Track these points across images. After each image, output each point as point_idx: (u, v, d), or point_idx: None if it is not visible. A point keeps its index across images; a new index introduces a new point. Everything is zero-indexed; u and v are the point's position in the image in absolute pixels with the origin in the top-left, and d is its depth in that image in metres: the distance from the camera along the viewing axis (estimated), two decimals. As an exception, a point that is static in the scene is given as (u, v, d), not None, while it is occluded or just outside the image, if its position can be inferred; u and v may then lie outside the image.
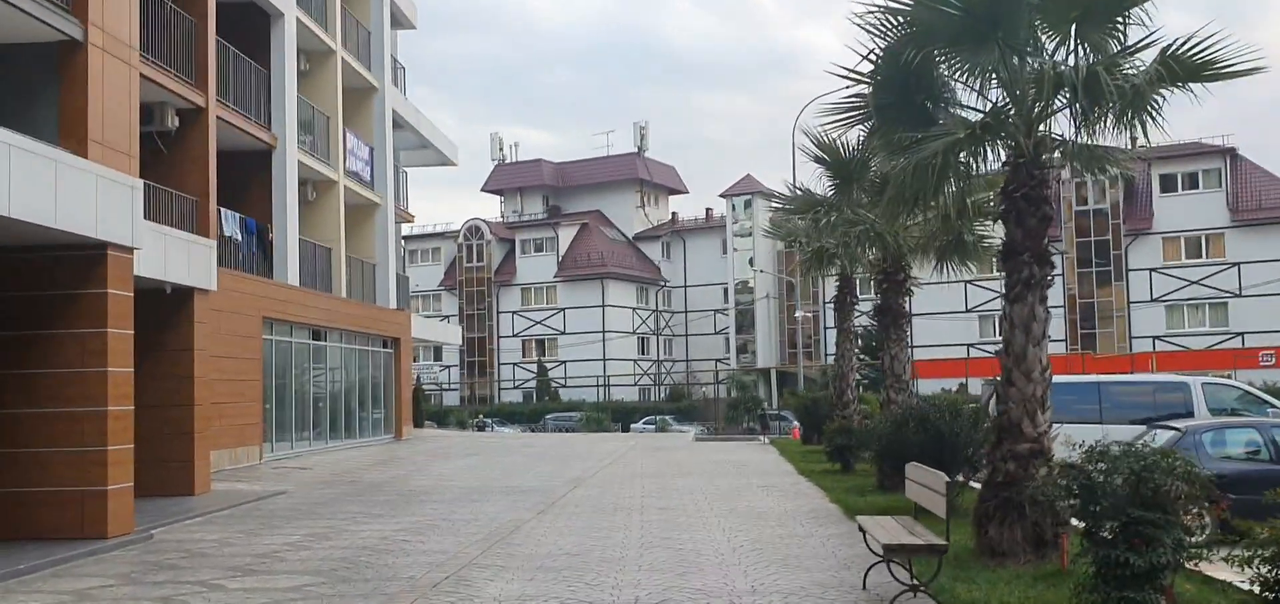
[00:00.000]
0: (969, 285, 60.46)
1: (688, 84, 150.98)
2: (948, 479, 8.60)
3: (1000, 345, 10.49)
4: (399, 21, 35.55)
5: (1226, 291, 56.96)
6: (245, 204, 24.53)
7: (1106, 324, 59.67)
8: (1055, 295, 61.98)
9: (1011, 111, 10.26)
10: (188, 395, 16.67)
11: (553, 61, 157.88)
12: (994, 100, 10.74)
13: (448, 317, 71.04)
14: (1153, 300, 58.59)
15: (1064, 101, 10.23)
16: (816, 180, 17.38)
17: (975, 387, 55.78)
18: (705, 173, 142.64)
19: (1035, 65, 10.13)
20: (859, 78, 10.61)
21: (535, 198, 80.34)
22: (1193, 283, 57.82)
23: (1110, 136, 10.42)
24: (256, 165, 24.90)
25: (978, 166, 10.60)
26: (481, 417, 58.26)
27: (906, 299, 16.85)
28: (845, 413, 21.95)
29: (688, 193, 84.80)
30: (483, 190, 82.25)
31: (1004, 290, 10.40)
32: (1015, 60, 10.34)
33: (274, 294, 23.07)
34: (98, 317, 12.04)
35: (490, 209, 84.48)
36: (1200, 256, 57.93)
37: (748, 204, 71.37)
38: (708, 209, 79.55)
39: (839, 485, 16.47)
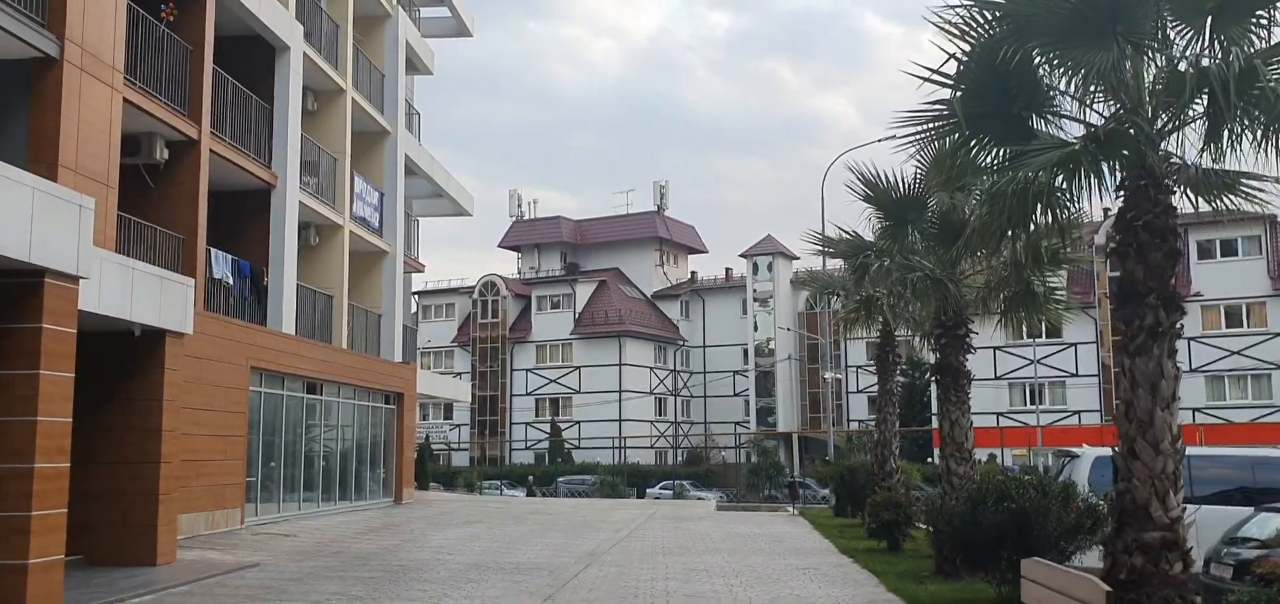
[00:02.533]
0: (997, 352, 58.33)
1: (706, 149, 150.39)
2: (1108, 589, 6.57)
3: (1118, 408, 8.50)
4: (415, 66, 34.12)
5: (1269, 363, 54.54)
6: (240, 245, 22.85)
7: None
8: (1088, 362, 59.98)
9: (1132, 122, 8.35)
10: (155, 451, 14.79)
11: (573, 127, 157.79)
12: (1101, 112, 8.87)
13: (460, 373, 69.16)
14: (1192, 371, 56.17)
15: (1194, 112, 8.35)
16: (865, 222, 15.50)
17: (1007, 458, 53.44)
18: (724, 236, 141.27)
19: (1161, 64, 8.26)
20: (944, 81, 8.72)
21: (553, 254, 78.79)
22: (1234, 353, 55.44)
23: (1248, 157, 8.50)
24: (254, 205, 23.27)
25: (1086, 189, 8.66)
26: (481, 482, 55.90)
27: (967, 356, 14.83)
28: (888, 484, 19.87)
29: (707, 252, 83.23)
30: (500, 245, 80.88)
31: (1122, 342, 8.44)
32: (1128, 62, 8.49)
33: (264, 342, 21.27)
34: (29, 356, 10.19)
35: (507, 266, 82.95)
36: (1241, 326, 55.63)
37: (770, 265, 69.58)
38: (727, 269, 77.90)
39: (891, 569, 14.37)
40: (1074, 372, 58.95)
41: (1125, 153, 8.47)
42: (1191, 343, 56.25)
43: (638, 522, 24.83)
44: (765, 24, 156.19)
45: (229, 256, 21.56)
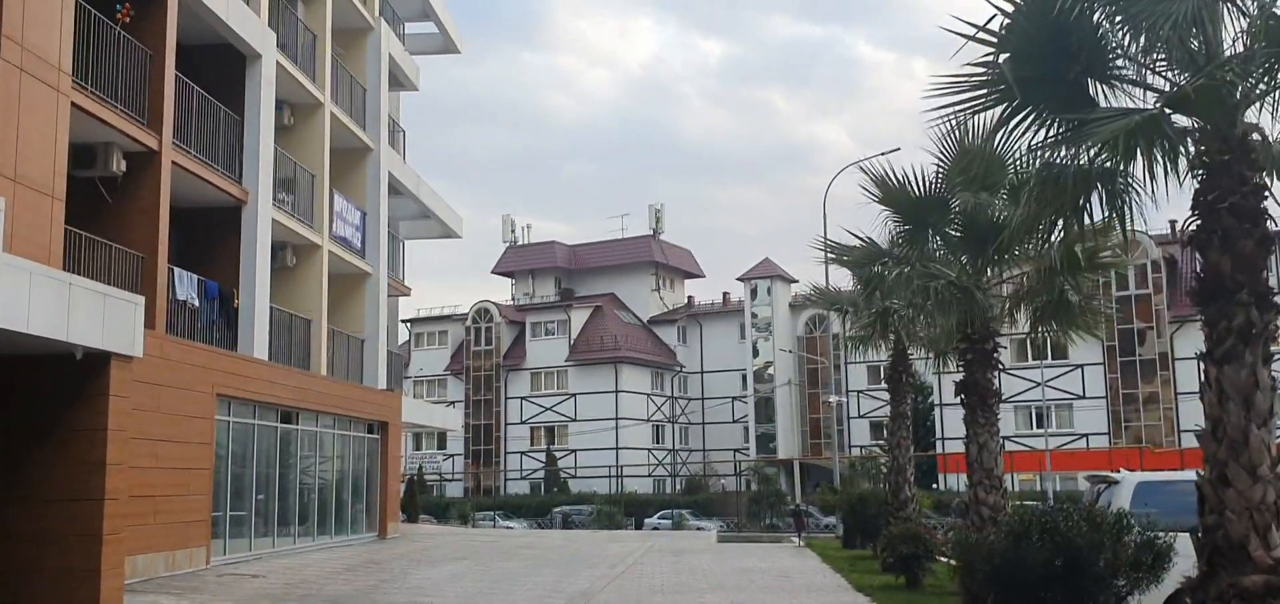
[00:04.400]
0: (1002, 373, 56.61)
1: (701, 177, 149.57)
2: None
3: (1204, 428, 7.13)
4: (399, 81, 32.85)
5: (1287, 381, 53.15)
6: (209, 266, 21.49)
7: (1152, 416, 55.86)
8: (1095, 384, 58.50)
9: (1219, 82, 6.98)
10: (98, 487, 13.29)
11: (569, 156, 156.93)
12: (1169, 79, 7.54)
13: (453, 402, 67.64)
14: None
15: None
16: (875, 232, 14.11)
17: (1043, 483, 51.75)
18: (720, 263, 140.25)
19: (1253, 10, 6.92)
20: (989, 39, 7.36)
21: (547, 280, 77.46)
22: (1246, 372, 54.04)
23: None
24: (224, 223, 21.91)
25: (1160, 165, 7.29)
26: (475, 514, 54.28)
27: (996, 374, 13.45)
28: (904, 513, 18.46)
29: (704, 277, 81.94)
30: (493, 272, 79.55)
31: (1208, 347, 7.08)
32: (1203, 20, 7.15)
33: (233, 368, 19.86)
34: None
35: (501, 292, 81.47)
36: (1253, 344, 54.25)
37: (769, 289, 68.30)
38: (725, 293, 76.55)
39: (913, 610, 13.01)
40: (1082, 394, 57.58)
41: (1205, 124, 7.12)
42: (1200, 363, 54.81)
43: (635, 556, 23.36)
44: (758, 52, 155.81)
45: (194, 277, 20.19)
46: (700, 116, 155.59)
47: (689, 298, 78.77)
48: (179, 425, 17.64)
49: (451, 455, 70.74)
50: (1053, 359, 55.57)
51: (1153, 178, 7.07)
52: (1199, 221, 7.21)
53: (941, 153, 12.99)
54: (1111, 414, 56.83)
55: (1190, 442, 55.63)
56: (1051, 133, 7.45)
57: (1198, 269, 7.24)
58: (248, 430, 20.70)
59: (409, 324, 74.49)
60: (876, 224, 14.99)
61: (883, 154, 13.29)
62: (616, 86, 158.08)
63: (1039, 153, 7.70)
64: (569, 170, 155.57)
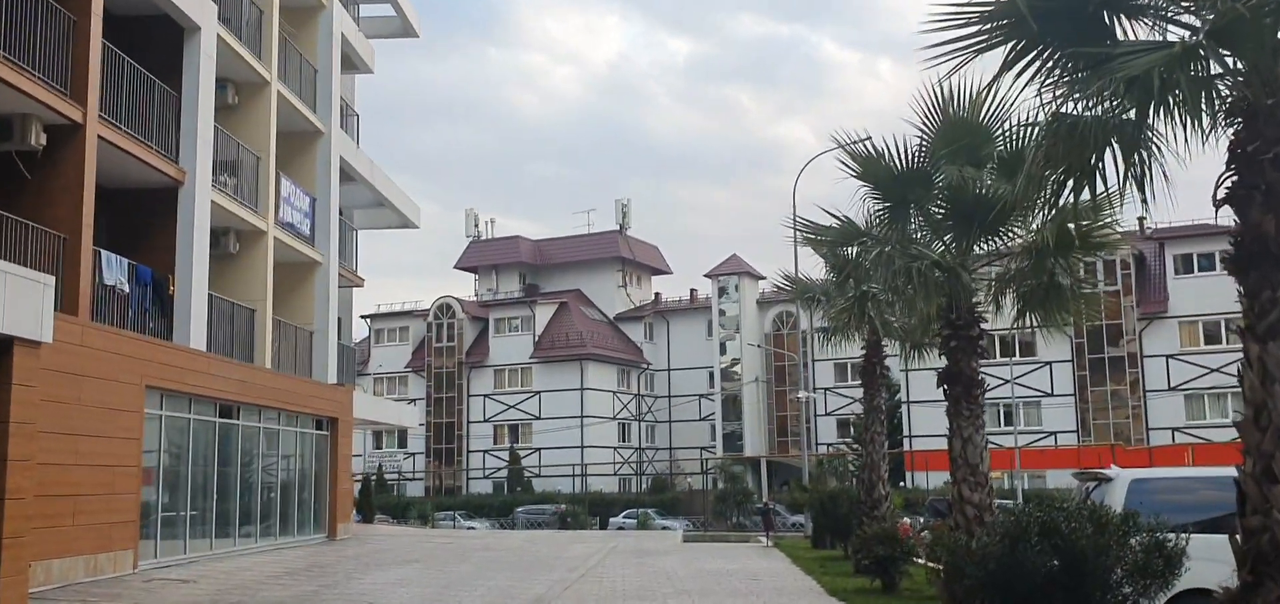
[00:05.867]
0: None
1: (669, 177, 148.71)
2: None
3: (1245, 414, 6.16)
4: (353, 63, 31.53)
5: (1250, 380, 52.91)
6: (144, 250, 20.18)
7: (1121, 414, 55.53)
8: (1063, 382, 58.14)
9: (1263, 10, 6.01)
10: (-1, 486, 12.05)
11: (535, 154, 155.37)
12: (1197, 11, 6.57)
13: (415, 400, 66.19)
14: (1171, 389, 54.58)
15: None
16: (857, 207, 13.09)
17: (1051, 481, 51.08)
18: (686, 263, 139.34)
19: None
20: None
21: (511, 276, 76.13)
22: (1213, 370, 53.83)
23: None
24: (160, 205, 20.60)
25: (1191, 108, 6.30)
26: (435, 513, 52.94)
27: (980, 363, 12.49)
28: (878, 512, 17.52)
29: (671, 273, 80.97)
30: (456, 267, 78.04)
31: (1248, 321, 6.12)
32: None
33: (166, 358, 18.54)
34: None
35: (464, 288, 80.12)
36: (1220, 342, 54.08)
37: (736, 286, 67.44)
38: (692, 290, 75.67)
39: (893, 617, 12.05)
40: (1050, 391, 57.16)
41: (1245, 64, 6.15)
42: (1169, 360, 54.69)
43: (596, 558, 22.28)
44: (725, 51, 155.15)
45: (125, 261, 18.87)
46: (668, 116, 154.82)
47: (656, 295, 77.78)
48: (103, 419, 16.33)
49: (413, 454, 69.27)
50: (1021, 356, 55.12)
51: (1193, 120, 6.09)
52: (1236, 177, 6.25)
53: (925, 124, 12.06)
54: (1080, 412, 56.42)
55: (1158, 439, 55.50)
56: (1068, 73, 6.44)
57: (1235, 232, 6.28)
58: (183, 425, 19.39)
59: (369, 320, 72.96)
60: (853, 204, 14.09)
61: (856, 141, 12.21)
62: (583, 85, 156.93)
63: (1049, 103, 6.70)
64: (534, 169, 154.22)
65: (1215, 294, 53.82)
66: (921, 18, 6.32)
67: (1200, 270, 54.66)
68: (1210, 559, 9.88)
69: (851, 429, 49.62)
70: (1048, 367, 56.65)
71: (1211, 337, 54.32)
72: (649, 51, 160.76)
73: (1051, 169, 7.02)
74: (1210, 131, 6.69)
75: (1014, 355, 53.73)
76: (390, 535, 30.87)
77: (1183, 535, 8.82)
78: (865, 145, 12.51)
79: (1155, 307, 55.11)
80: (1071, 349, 55.81)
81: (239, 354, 22.51)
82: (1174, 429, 54.20)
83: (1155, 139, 6.75)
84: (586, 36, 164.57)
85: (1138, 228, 53.89)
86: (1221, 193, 6.31)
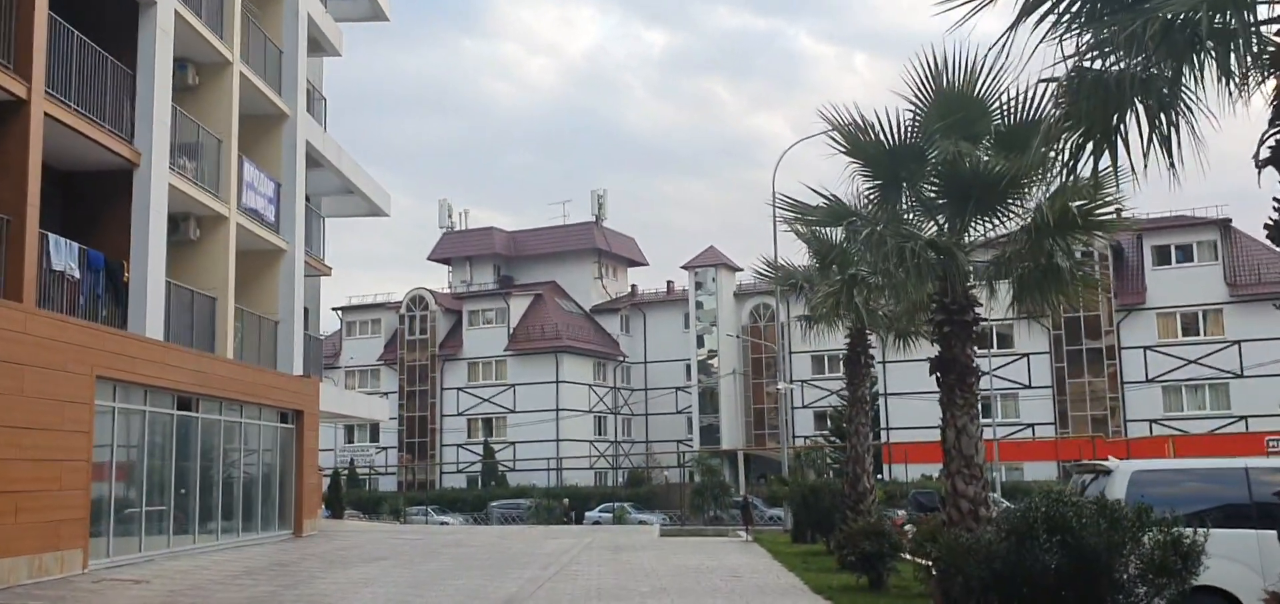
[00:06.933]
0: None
1: (645, 170, 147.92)
2: None
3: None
4: (320, 46, 30.62)
5: (1227, 372, 52.94)
6: (97, 235, 19.30)
7: (1099, 405, 55.35)
8: (1041, 373, 57.92)
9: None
10: (-74, 482, 11.21)
11: (510, 146, 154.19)
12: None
13: (387, 393, 65.15)
14: (1149, 381, 54.45)
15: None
16: (848, 182, 12.39)
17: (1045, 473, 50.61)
18: (663, 256, 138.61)
19: None
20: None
21: (486, 267, 75.21)
22: (1190, 362, 53.82)
23: None
24: (115, 188, 19.74)
25: (1221, 64, 5.67)
26: (407, 509, 52.06)
27: (972, 350, 11.87)
28: (863, 506, 16.91)
29: (647, 265, 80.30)
30: (429, 258, 76.97)
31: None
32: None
33: (118, 348, 17.65)
34: None
35: (437, 280, 79.03)
36: (1198, 334, 54.04)
37: (713, 277, 66.83)
38: (669, 282, 74.95)
39: (883, 617, 11.43)
40: (1027, 383, 56.92)
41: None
42: (1146, 352, 54.55)
43: (571, 555, 21.58)
44: (701, 43, 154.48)
45: (75, 245, 17.97)
46: (644, 108, 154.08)
47: (632, 287, 77.05)
48: (49, 411, 15.46)
49: (385, 448, 68.27)
50: (999, 348, 54.83)
51: (1231, 74, 5.46)
52: (1277, 138, 5.62)
53: (917, 97, 11.41)
54: (1058, 404, 56.23)
55: (1136, 431, 55.32)
56: (1093, 18, 5.79)
57: (1277, 202, 5.65)
58: (138, 418, 18.51)
59: (340, 312, 71.88)
60: (838, 186, 13.45)
61: (838, 127, 11.54)
62: (558, 76, 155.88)
63: (1071, 55, 6.04)
64: (510, 161, 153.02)
65: (1193, 286, 53.84)
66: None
67: (1178, 262, 54.59)
68: (1218, 555, 9.34)
69: (829, 421, 49.13)
70: (1026, 358, 56.42)
71: (1189, 328, 54.25)
72: (625, 43, 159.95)
73: (1069, 131, 6.37)
74: (1241, 88, 6.07)
75: (992, 347, 53.40)
76: (359, 531, 30.04)
77: (1201, 531, 8.22)
78: (855, 119, 11.84)
79: (1133, 298, 54.95)
80: (1049, 341, 55.58)
81: (199, 344, 21.63)
82: (1152, 421, 54.08)
83: (1187, 95, 6.11)
84: (562, 28, 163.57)
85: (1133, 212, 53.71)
86: (1264, 152, 5.67)
